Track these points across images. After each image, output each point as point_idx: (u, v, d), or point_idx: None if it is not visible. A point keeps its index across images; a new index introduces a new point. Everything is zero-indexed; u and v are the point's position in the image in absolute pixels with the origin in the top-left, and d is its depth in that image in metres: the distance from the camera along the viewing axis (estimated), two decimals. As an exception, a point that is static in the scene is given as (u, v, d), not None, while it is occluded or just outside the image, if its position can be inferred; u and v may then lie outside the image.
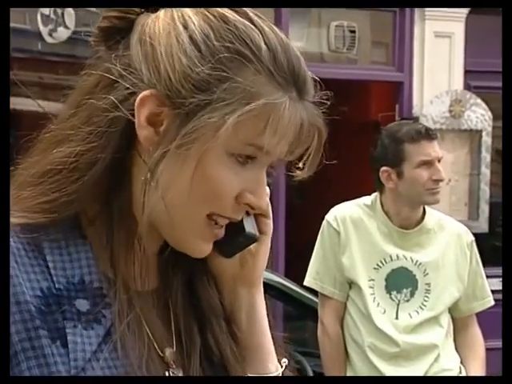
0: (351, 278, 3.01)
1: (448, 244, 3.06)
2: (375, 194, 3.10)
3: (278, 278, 4.08)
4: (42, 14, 5.87)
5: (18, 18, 5.69)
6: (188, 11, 0.98)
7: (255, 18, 0.99)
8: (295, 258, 4.76)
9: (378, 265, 3.00)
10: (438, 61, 6.82)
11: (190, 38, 0.96)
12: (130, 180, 1.00)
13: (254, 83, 0.95)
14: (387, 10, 6.88)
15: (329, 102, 1.04)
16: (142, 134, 0.97)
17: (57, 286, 0.96)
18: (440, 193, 3.00)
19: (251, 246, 1.07)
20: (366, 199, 3.10)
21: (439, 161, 2.98)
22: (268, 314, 1.12)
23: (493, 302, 3.20)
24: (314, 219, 3.14)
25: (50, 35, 5.91)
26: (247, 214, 1.04)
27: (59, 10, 5.91)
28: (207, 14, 0.98)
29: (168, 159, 0.95)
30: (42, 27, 5.88)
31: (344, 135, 8.29)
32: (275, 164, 1.03)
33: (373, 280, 2.99)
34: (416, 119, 6.27)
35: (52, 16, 5.90)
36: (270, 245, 1.10)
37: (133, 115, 0.96)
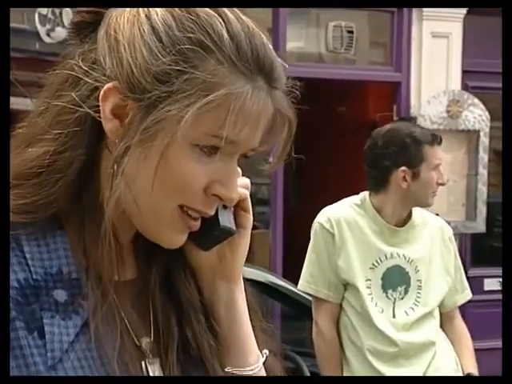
0: (348, 279, 3.00)
1: (433, 239, 3.09)
2: (364, 193, 3.09)
3: (275, 279, 4.08)
4: (39, 14, 5.87)
5: (15, 18, 5.68)
6: None
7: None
8: (293, 258, 4.76)
9: (373, 264, 3.00)
10: (436, 61, 6.82)
11: (153, 28, 0.95)
12: (99, 173, 1.00)
13: (215, 73, 0.94)
14: (385, 11, 6.88)
15: (297, 92, 1.02)
16: (107, 126, 0.96)
17: (34, 276, 0.95)
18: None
19: (229, 240, 1.06)
20: (355, 199, 3.10)
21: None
22: (263, 312, 1.11)
23: (471, 295, 3.22)
24: (312, 220, 3.13)
25: (48, 35, 5.90)
26: (224, 207, 1.03)
27: (57, 10, 5.91)
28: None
29: (132, 151, 0.94)
30: (39, 27, 5.88)
31: (342, 135, 8.33)
32: (248, 154, 1.01)
33: (369, 280, 2.99)
34: (414, 119, 6.28)
35: (50, 16, 5.89)
36: (249, 239, 1.09)
37: (97, 109, 0.96)
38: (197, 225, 1.01)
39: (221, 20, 0.96)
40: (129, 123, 0.95)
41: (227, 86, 0.94)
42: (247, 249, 1.09)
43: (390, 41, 6.97)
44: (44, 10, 5.87)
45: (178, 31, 0.94)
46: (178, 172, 0.95)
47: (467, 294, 3.20)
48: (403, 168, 2.98)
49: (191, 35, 0.94)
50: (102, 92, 0.95)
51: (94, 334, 0.96)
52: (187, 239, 1.03)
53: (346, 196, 3.16)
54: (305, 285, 3.11)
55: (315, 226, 3.07)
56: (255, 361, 1.09)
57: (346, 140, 8.18)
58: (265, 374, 1.11)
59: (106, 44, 0.97)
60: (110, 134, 0.97)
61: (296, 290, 3.67)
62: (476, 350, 3.18)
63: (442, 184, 3.04)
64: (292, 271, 4.05)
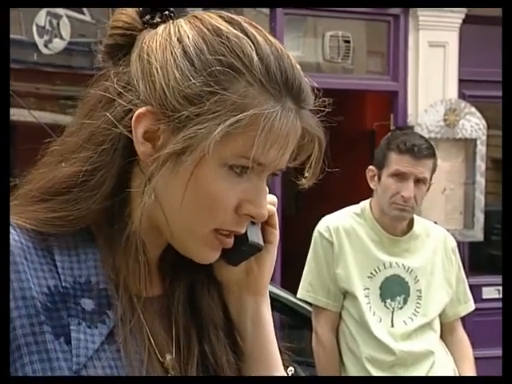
0: (346, 288, 3.01)
1: (435, 250, 3.08)
2: (364, 202, 3.11)
3: (274, 289, 4.08)
4: (37, 25, 5.88)
5: (13, 29, 5.69)
6: (184, 26, 1.00)
7: (249, 29, 1.00)
8: (291, 268, 4.76)
9: (372, 273, 3.00)
10: (433, 70, 6.83)
11: (184, 52, 0.98)
12: (131, 191, 1.02)
13: (245, 95, 0.96)
14: (381, 20, 6.90)
15: (327, 109, 1.05)
16: (140, 150, 0.99)
17: (63, 284, 0.98)
18: (408, 211, 2.95)
19: (256, 255, 1.08)
20: (355, 208, 3.11)
21: (419, 181, 2.93)
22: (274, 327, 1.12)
23: (474, 307, 3.21)
24: (310, 229, 3.13)
25: (46, 46, 5.91)
26: (252, 223, 1.05)
27: (54, 21, 5.92)
28: (201, 27, 0.99)
29: (163, 171, 0.97)
30: (37, 38, 5.89)
31: (340, 145, 8.32)
32: (277, 172, 1.03)
33: (368, 289, 2.99)
34: (411, 128, 6.29)
35: (48, 27, 5.90)
36: (275, 254, 1.11)
37: (129, 131, 0.98)
38: (230, 242, 1.03)
39: (250, 43, 0.98)
40: (161, 146, 0.97)
41: (257, 106, 0.96)
42: (273, 263, 1.11)
43: (386, 50, 6.98)
44: (42, 22, 5.88)
45: (210, 54, 0.97)
46: (209, 191, 0.98)
47: (470, 306, 3.18)
48: (371, 167, 3.04)
49: (222, 58, 0.97)
50: (134, 116, 0.98)
51: (121, 345, 0.98)
52: None
53: (345, 205, 3.17)
54: (304, 293, 3.12)
55: (315, 234, 3.08)
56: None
57: (344, 149, 8.19)
58: None
59: (139, 67, 0.99)
60: (143, 157, 0.99)
61: (294, 300, 3.67)
62: (475, 359, 3.18)
63: (406, 197, 2.90)
64: (290, 281, 4.05)
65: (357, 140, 7.84)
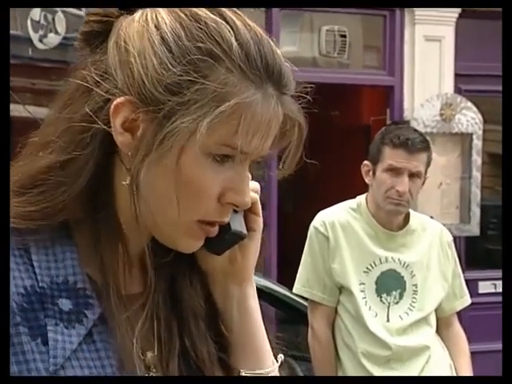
0: (342, 283, 3.01)
1: (431, 244, 3.08)
2: (360, 197, 3.11)
3: (270, 284, 4.08)
4: (32, 20, 5.86)
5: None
6: (162, 12, 0.98)
7: (228, 14, 0.98)
8: (287, 263, 4.76)
9: (367, 268, 3.00)
10: (429, 64, 6.83)
11: (162, 38, 0.95)
12: (113, 184, 1.00)
13: (225, 83, 0.94)
14: (377, 14, 6.89)
15: (308, 96, 1.03)
16: (118, 140, 0.97)
17: (40, 284, 0.96)
18: (403, 206, 2.95)
19: (240, 243, 1.07)
20: (351, 202, 3.11)
21: (414, 175, 2.93)
22: (263, 318, 1.11)
23: (470, 301, 3.21)
24: (306, 224, 3.13)
25: (41, 41, 5.90)
26: (235, 211, 1.03)
27: (49, 16, 5.91)
28: (179, 12, 0.97)
29: (147, 164, 0.95)
30: (32, 33, 5.87)
31: (336, 139, 8.33)
32: (258, 160, 1.02)
33: (363, 284, 2.99)
34: (407, 123, 6.29)
35: (42, 22, 5.89)
36: (259, 241, 1.10)
37: (108, 121, 0.97)
38: (215, 231, 1.02)
39: (229, 28, 0.96)
40: (141, 136, 0.96)
41: (237, 95, 0.95)
42: (258, 251, 1.10)
43: (382, 45, 6.98)
44: (36, 16, 5.87)
45: (188, 41, 0.95)
46: (192, 181, 0.96)
47: (466, 300, 3.18)
48: (366, 162, 3.04)
49: (200, 44, 0.95)
50: (112, 106, 0.96)
51: (100, 344, 0.97)
52: None
53: (342, 199, 3.17)
54: (300, 288, 3.12)
55: (310, 229, 3.08)
56: (271, 363, 1.10)
57: (340, 144, 8.19)
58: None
59: (116, 55, 0.97)
60: (122, 147, 0.97)
61: (291, 295, 3.67)
62: (471, 353, 3.18)
63: (401, 192, 2.90)
64: (286, 276, 4.05)
65: (353, 135, 7.84)
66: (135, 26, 0.97)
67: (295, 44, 6.97)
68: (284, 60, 1.00)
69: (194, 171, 0.96)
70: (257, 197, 1.08)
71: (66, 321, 0.96)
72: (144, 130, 0.96)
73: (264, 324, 1.11)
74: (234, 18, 0.98)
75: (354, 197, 3.14)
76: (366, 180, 3.04)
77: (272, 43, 1.00)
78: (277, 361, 1.11)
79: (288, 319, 4.44)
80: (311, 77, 7.10)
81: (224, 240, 1.04)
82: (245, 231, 1.06)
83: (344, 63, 7.07)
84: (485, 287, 6.86)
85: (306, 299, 3.24)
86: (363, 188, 3.12)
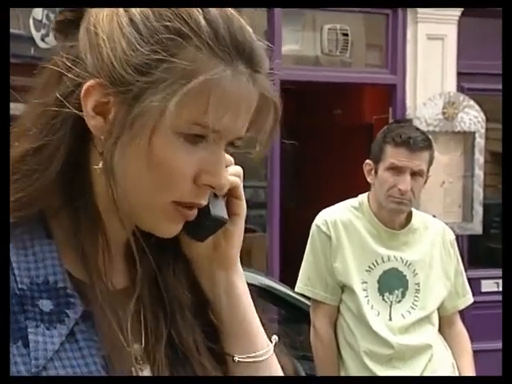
0: (344, 281, 3.01)
1: (433, 243, 3.08)
2: (362, 196, 3.10)
3: (272, 282, 4.08)
4: (34, 19, 5.86)
5: (10, 23, 5.68)
6: None
7: None
8: (289, 262, 4.76)
9: (369, 267, 3.00)
10: (431, 63, 6.82)
11: (131, 20, 0.95)
12: (90, 171, 0.99)
13: (193, 60, 0.93)
14: (380, 13, 6.89)
15: (278, 72, 1.02)
16: (90, 123, 0.96)
17: (20, 286, 0.95)
18: (405, 204, 2.95)
19: (223, 228, 1.06)
20: (353, 201, 3.11)
21: (416, 174, 2.93)
22: (254, 303, 1.10)
23: (472, 300, 3.20)
24: (309, 223, 3.13)
25: (43, 40, 5.90)
26: (215, 196, 1.03)
27: (51, 15, 5.90)
28: None
29: (121, 147, 0.94)
30: (34, 32, 5.87)
31: (338, 138, 8.33)
32: (236, 144, 1.00)
33: (366, 282, 2.99)
34: (409, 121, 6.28)
35: (44, 21, 5.89)
36: (243, 226, 1.09)
37: (79, 105, 0.96)
38: (193, 214, 1.00)
39: (198, 7, 0.95)
40: (113, 119, 0.95)
41: (205, 72, 0.93)
42: (242, 235, 1.09)
43: (385, 43, 6.97)
44: (39, 16, 5.87)
45: (156, 21, 0.94)
46: (165, 162, 0.95)
47: (468, 299, 3.18)
48: (368, 161, 3.04)
49: (169, 24, 0.94)
50: (83, 89, 0.95)
51: (82, 343, 0.96)
52: (182, 231, 1.02)
53: (344, 198, 3.17)
54: (302, 287, 3.12)
55: (312, 228, 3.08)
56: (265, 345, 1.09)
57: (343, 143, 8.19)
58: (276, 362, 1.10)
59: (86, 40, 0.97)
60: (95, 131, 0.96)
61: (293, 294, 3.67)
62: (473, 352, 3.18)
63: (403, 190, 2.91)
64: (288, 275, 4.06)
65: (355, 133, 7.83)
66: (105, 11, 0.97)
67: (297, 43, 6.97)
68: (257, 38, 0.99)
69: (166, 152, 0.94)
70: (238, 181, 1.06)
71: (47, 321, 0.94)
72: (115, 113, 0.95)
73: (255, 306, 1.10)
74: None
75: (356, 195, 3.14)
76: (368, 179, 3.04)
77: (243, 21, 0.98)
78: (271, 341, 1.10)
79: (290, 318, 4.45)
80: (313, 75, 7.11)
81: (205, 226, 1.03)
82: (226, 216, 1.04)
83: (346, 62, 7.06)
84: (487, 286, 6.86)
85: (308, 298, 3.24)
86: (365, 187, 3.11)
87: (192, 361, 1.03)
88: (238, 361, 1.07)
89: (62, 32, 1.02)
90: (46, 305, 0.95)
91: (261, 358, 1.08)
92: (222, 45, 0.95)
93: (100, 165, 0.96)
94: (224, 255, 1.08)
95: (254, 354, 1.07)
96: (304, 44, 6.99)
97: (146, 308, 1.03)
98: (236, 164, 1.07)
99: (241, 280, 1.09)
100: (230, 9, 0.98)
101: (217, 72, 0.94)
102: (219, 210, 1.03)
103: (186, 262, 1.08)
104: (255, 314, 1.09)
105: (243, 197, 1.08)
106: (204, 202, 1.00)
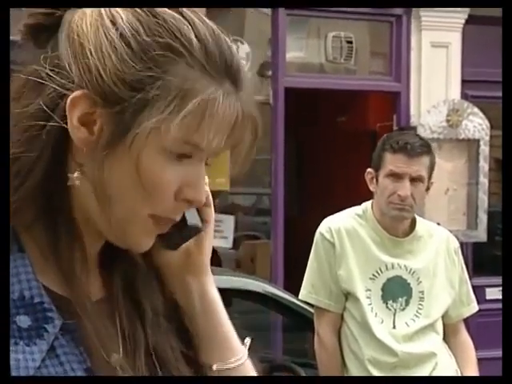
0: (348, 289, 3.00)
1: (437, 250, 3.08)
2: (366, 203, 3.10)
3: (276, 290, 4.07)
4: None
5: (14, 30, 5.69)
6: None
7: (184, 10, 0.96)
8: (293, 270, 4.75)
9: (373, 275, 3.00)
10: (435, 70, 6.82)
11: (120, 34, 0.93)
12: (70, 185, 0.97)
13: (186, 78, 0.93)
14: (384, 21, 6.89)
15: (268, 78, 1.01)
16: (75, 135, 0.94)
17: None
18: (407, 210, 2.94)
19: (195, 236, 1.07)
20: (357, 209, 3.11)
21: (415, 180, 2.93)
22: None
23: (477, 308, 3.19)
24: (313, 231, 3.13)
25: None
26: None
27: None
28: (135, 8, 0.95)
29: (107, 160, 0.93)
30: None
31: (342, 145, 8.32)
32: (211, 156, 1.00)
33: (369, 290, 2.99)
34: (414, 129, 6.28)
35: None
36: (212, 232, 1.10)
37: (63, 116, 0.94)
38: (167, 228, 1.00)
39: (187, 23, 0.95)
40: (99, 131, 0.94)
41: (201, 91, 0.93)
42: (212, 241, 1.10)
43: (389, 51, 6.98)
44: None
45: (147, 36, 0.93)
46: (152, 178, 0.94)
47: (473, 307, 3.18)
48: (369, 170, 3.04)
49: (160, 40, 0.93)
50: (69, 100, 0.93)
51: (62, 357, 0.94)
52: (154, 242, 1.02)
53: (348, 206, 3.16)
54: (306, 294, 3.11)
55: (316, 236, 3.07)
56: (240, 349, 1.10)
57: (346, 150, 8.18)
58: (251, 365, 1.11)
59: (69, 49, 0.95)
60: (78, 143, 0.94)
61: (297, 301, 3.66)
62: (478, 360, 3.17)
63: (403, 196, 2.90)
64: (292, 282, 4.05)
65: (359, 141, 7.83)
66: (88, 20, 0.95)
67: (302, 50, 6.97)
68: (231, 43, 0.99)
69: (153, 168, 0.94)
70: (207, 189, 1.06)
71: (27, 338, 0.92)
72: (102, 125, 0.93)
73: (226, 310, 1.11)
74: (190, 13, 0.96)
75: (360, 203, 3.14)
76: (371, 187, 3.04)
77: (227, 39, 0.98)
78: (244, 345, 1.11)
79: (294, 326, 4.44)
80: (318, 83, 7.12)
81: (180, 235, 1.04)
82: (200, 224, 1.06)
83: (351, 69, 7.07)
84: (492, 293, 6.84)
85: (312, 306, 3.24)
86: (369, 194, 3.11)
87: (170, 367, 1.03)
88: (216, 369, 1.07)
89: (32, 36, 1.00)
90: (23, 321, 0.93)
91: (238, 363, 1.09)
92: (213, 63, 0.95)
93: (76, 174, 0.94)
94: (196, 262, 1.08)
95: (232, 360, 1.08)
96: (308, 51, 7.00)
97: (123, 318, 1.02)
98: None
99: (213, 288, 1.10)
100: (214, 25, 0.97)
101: (212, 92, 0.93)
102: (194, 218, 1.05)
103: (158, 270, 1.08)
104: (228, 319, 1.11)
105: (212, 203, 1.09)
106: (178, 218, 1.00)
